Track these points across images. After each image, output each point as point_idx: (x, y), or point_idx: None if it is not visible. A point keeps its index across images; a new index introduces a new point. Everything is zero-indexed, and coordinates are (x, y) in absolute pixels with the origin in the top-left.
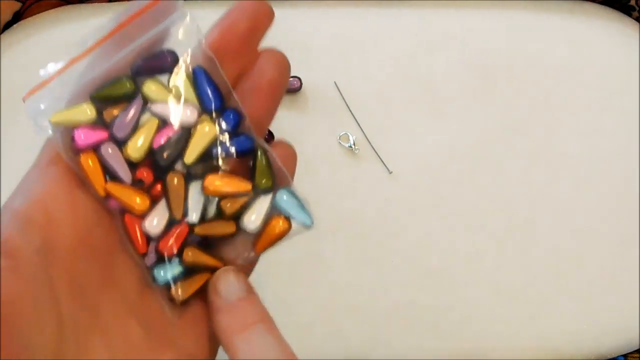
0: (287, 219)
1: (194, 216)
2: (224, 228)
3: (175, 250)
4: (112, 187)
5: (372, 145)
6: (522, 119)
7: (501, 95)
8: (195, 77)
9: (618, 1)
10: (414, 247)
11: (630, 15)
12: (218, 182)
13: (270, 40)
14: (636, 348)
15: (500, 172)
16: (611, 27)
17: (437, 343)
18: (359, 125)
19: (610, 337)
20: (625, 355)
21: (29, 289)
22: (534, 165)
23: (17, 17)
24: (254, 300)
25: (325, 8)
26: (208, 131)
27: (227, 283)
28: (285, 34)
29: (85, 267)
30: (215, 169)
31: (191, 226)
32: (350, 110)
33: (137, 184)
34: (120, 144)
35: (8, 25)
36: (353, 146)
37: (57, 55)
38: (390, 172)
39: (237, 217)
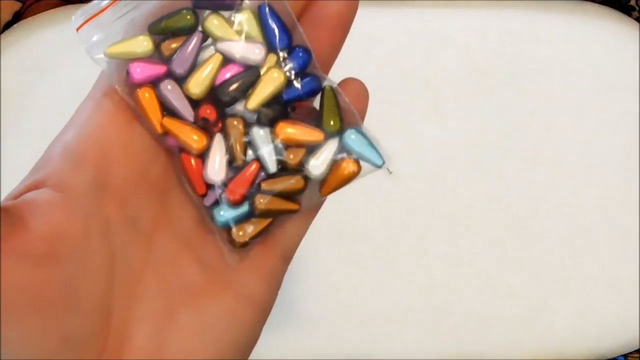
0: (356, 160)
1: (272, 166)
2: (294, 184)
3: (241, 198)
4: (169, 123)
5: None
6: (522, 119)
7: (501, 95)
8: (261, 14)
9: (618, 1)
10: (414, 247)
11: (630, 15)
12: (290, 130)
13: None
14: (636, 348)
15: (500, 172)
16: (611, 27)
17: (437, 343)
18: None
19: (610, 337)
20: (625, 355)
21: (80, 226)
22: (534, 165)
23: (17, 17)
24: None
25: None
26: (276, 77)
27: None
28: None
29: (139, 203)
30: (283, 114)
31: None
32: None
33: (199, 122)
34: (179, 80)
35: (8, 25)
36: None
37: (56, 55)
38: (391, 172)
39: (301, 165)
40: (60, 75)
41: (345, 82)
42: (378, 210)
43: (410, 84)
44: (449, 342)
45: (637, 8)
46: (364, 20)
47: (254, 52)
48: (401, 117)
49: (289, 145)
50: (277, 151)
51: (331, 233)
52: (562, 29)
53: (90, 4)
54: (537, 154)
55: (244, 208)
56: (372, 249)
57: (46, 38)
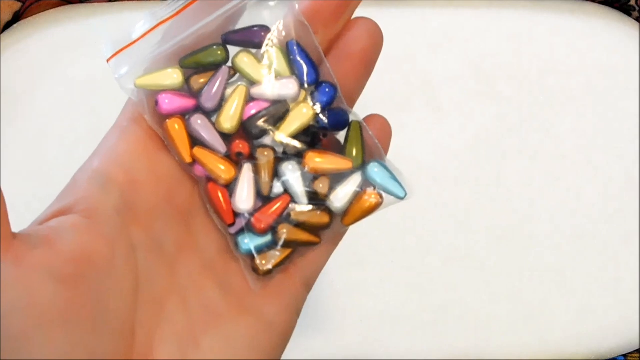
0: (379, 192)
1: (304, 199)
2: (319, 218)
3: (267, 227)
4: (199, 153)
5: None
6: (522, 119)
7: (501, 95)
8: (290, 50)
9: (618, 1)
10: (414, 247)
11: (630, 15)
12: (318, 159)
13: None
14: (636, 348)
15: (500, 172)
16: (611, 27)
17: (436, 343)
18: None
19: (610, 337)
20: (625, 355)
21: (106, 248)
22: (534, 165)
23: (17, 17)
24: None
25: None
26: (305, 113)
27: None
28: None
29: (164, 227)
30: (311, 145)
31: (289, 210)
32: None
33: (233, 157)
34: (209, 114)
35: (8, 25)
36: None
37: (56, 55)
38: None
39: (327, 196)
40: (60, 75)
41: (371, 118)
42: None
43: (410, 83)
44: (449, 342)
45: (637, 8)
46: None
47: (288, 87)
48: (401, 117)
49: (317, 174)
50: (307, 183)
51: None
52: (562, 29)
53: (120, 34)
54: (537, 154)
55: (268, 237)
56: (371, 249)
57: (46, 38)
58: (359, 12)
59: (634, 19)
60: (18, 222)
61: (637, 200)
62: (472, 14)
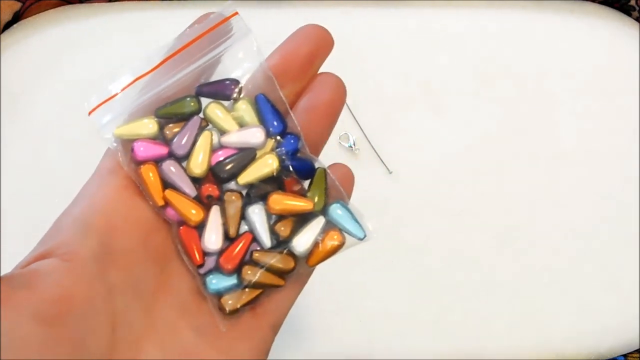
0: (341, 232)
1: (267, 242)
2: (283, 263)
3: (235, 267)
4: (170, 195)
5: (372, 145)
6: (522, 119)
7: (501, 95)
8: (258, 102)
9: (618, 1)
10: (414, 247)
11: (630, 15)
12: (282, 201)
13: (271, 40)
14: (636, 348)
15: (500, 172)
16: (611, 27)
17: (436, 343)
18: (359, 125)
19: (610, 337)
20: (625, 355)
21: (85, 290)
22: (534, 165)
23: (17, 17)
24: None
25: (325, 8)
26: (270, 163)
27: None
28: (284, 34)
29: (141, 271)
30: (274, 190)
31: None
32: (350, 110)
33: (203, 199)
34: (180, 160)
35: (8, 25)
36: (353, 146)
37: (56, 55)
38: (390, 172)
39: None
40: (60, 75)
41: (334, 167)
42: (378, 209)
43: (410, 83)
44: (449, 342)
45: (637, 8)
46: (364, 20)
47: (255, 136)
48: (401, 117)
49: (280, 217)
50: (270, 226)
51: None
52: (562, 29)
53: (102, 89)
54: (537, 153)
55: (234, 278)
56: (371, 249)
57: (46, 38)
58: (360, 12)
59: (634, 19)
60: (18, 221)
61: (637, 201)
62: (472, 14)
